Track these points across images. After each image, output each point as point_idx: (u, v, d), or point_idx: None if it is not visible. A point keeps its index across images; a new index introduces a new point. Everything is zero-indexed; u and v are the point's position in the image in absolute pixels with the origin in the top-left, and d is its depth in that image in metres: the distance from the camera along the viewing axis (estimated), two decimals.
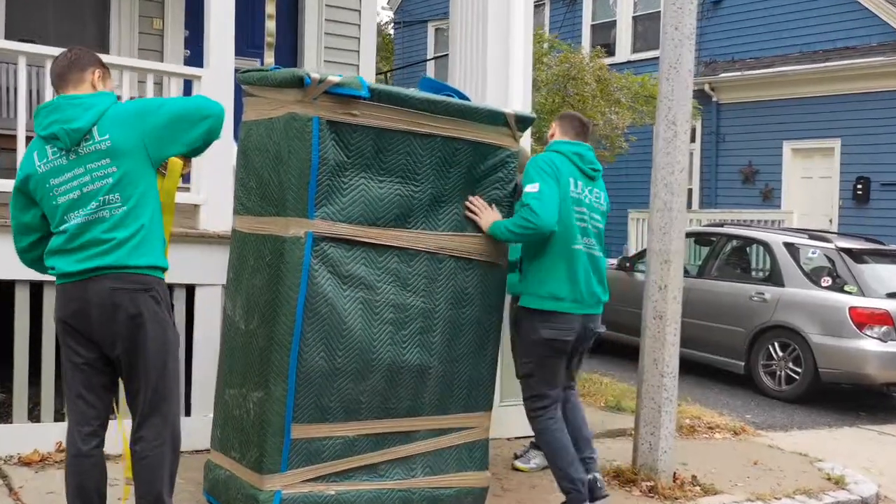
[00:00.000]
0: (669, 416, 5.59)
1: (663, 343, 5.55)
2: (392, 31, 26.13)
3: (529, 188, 4.44)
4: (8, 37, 7.04)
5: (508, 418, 6.04)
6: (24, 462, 4.84)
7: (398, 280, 4.24)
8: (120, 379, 3.59)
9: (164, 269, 3.56)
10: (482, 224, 4.48)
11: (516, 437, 6.18)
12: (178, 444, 3.61)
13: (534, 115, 4.80)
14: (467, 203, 4.46)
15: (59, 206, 3.43)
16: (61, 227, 3.43)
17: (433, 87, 4.69)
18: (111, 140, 3.40)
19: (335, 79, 3.94)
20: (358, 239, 4.10)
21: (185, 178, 5.77)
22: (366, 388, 4.18)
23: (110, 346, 3.46)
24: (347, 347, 4.09)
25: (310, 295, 3.97)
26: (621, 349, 10.47)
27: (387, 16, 27.81)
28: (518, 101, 6.26)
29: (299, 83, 3.89)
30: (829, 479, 6.07)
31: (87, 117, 3.41)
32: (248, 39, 8.08)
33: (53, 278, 3.52)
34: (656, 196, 5.63)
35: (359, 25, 8.56)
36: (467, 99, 4.70)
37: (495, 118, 4.51)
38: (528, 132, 6.61)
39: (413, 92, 4.24)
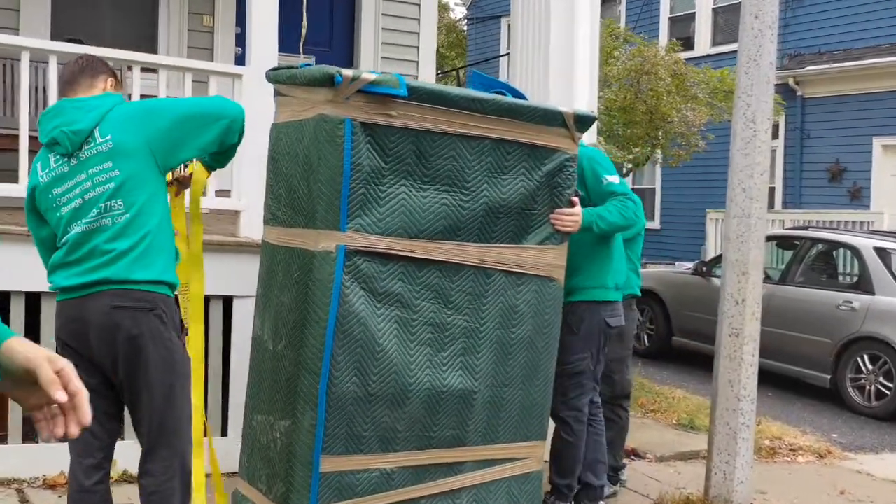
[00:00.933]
0: (746, 444, 5.09)
1: (740, 363, 5.06)
2: (465, 28, 25.76)
3: (614, 178, 4.52)
4: (54, 36, 6.85)
5: None
6: (49, 485, 4.60)
7: (439, 297, 3.84)
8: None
9: (171, 286, 3.22)
10: (576, 226, 4.15)
11: None
12: (188, 478, 3.29)
13: (595, 113, 4.37)
14: (552, 219, 4.09)
15: (63, 217, 3.13)
16: (63, 240, 3.14)
17: (484, 84, 4.29)
18: (113, 141, 3.10)
19: (369, 76, 3.56)
20: (395, 252, 3.71)
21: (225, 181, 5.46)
22: (403, 415, 3.79)
23: (111, 369, 3.14)
24: (382, 371, 3.70)
25: (341, 315, 3.60)
26: (695, 358, 9.95)
27: (461, 12, 27.53)
28: (583, 99, 5.82)
29: (329, 81, 3.51)
30: None
31: (88, 118, 3.12)
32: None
33: None
34: (733, 201, 5.13)
35: (418, 20, 8.15)
36: (522, 96, 4.28)
37: (551, 118, 4.08)
38: (595, 130, 6.17)
39: (457, 90, 3.84)
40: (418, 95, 3.68)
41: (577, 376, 4.61)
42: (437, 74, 19.06)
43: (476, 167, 3.88)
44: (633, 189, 19.71)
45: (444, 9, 29.48)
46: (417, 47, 8.13)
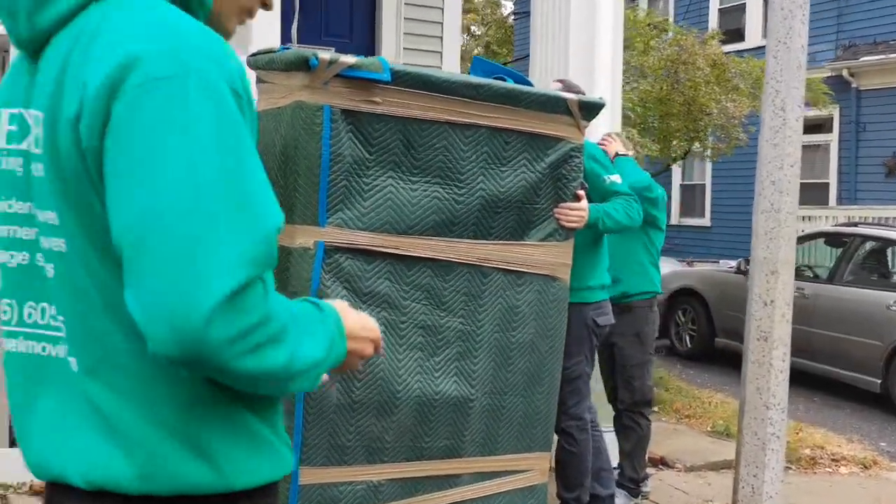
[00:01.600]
0: (776, 455, 4.73)
1: (769, 369, 4.69)
2: (513, 23, 25.45)
3: (616, 178, 4.33)
4: None
5: None
6: (36, 491, 4.42)
7: (430, 298, 3.57)
8: None
9: None
10: (582, 221, 3.87)
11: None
12: None
13: (602, 100, 4.05)
14: (556, 214, 3.81)
15: None
16: None
17: (486, 70, 4.03)
18: None
19: (349, 59, 3.30)
20: (381, 249, 3.45)
21: None
22: (391, 424, 3.53)
23: None
24: (367, 377, 3.44)
25: None
26: (739, 360, 9.51)
27: (511, 7, 27.29)
28: (605, 89, 5.51)
29: (305, 65, 3.27)
30: None
31: None
32: (322, 28, 7.56)
33: None
34: (761, 195, 4.77)
35: (442, 9, 7.86)
36: (527, 83, 4.00)
37: (553, 104, 3.79)
38: (619, 121, 5.86)
39: (448, 74, 3.58)
40: (404, 80, 3.41)
41: (574, 382, 4.33)
42: None
43: (471, 158, 3.60)
44: (682, 184, 19.14)
45: (494, 5, 29.28)
46: (441, 37, 7.82)
